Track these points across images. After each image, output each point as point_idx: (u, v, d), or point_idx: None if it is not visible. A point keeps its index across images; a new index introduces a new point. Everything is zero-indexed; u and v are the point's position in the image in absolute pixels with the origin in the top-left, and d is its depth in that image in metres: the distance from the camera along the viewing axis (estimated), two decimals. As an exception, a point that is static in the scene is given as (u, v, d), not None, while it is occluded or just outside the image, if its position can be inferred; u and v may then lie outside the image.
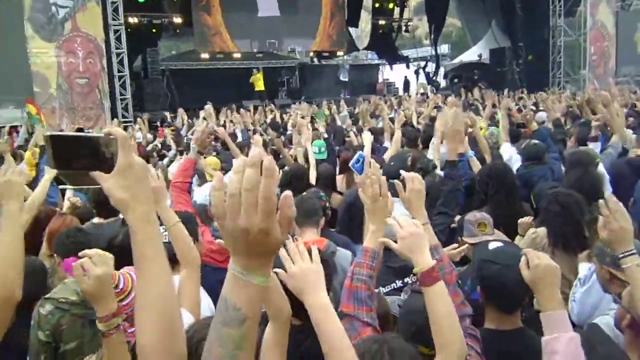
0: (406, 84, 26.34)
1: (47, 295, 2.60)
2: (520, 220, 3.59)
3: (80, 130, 7.43)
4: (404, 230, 1.87)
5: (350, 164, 2.54)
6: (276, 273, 1.59)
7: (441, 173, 4.53)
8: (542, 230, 3.22)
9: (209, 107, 8.29)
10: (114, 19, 15.92)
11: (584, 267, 2.65)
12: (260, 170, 0.93)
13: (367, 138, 5.29)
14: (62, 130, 7.49)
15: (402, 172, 2.25)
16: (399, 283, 2.69)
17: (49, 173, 4.05)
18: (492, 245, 2.27)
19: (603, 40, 24.09)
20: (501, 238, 2.97)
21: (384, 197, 2.05)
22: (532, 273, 1.84)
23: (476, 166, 4.83)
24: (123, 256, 2.97)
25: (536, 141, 5.20)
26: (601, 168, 4.64)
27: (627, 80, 24.22)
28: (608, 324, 2.19)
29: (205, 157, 5.49)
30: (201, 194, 4.95)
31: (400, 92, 25.86)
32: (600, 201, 2.11)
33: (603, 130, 5.92)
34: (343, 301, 1.96)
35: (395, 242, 1.92)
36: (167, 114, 16.45)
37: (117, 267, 2.00)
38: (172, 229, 2.36)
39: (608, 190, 4.45)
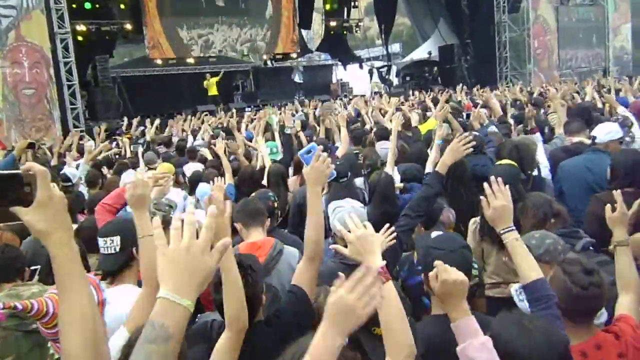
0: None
1: None
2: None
3: (32, 145, 7.24)
4: (351, 235, 1.89)
5: (299, 152, 2.48)
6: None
7: (387, 169, 4.74)
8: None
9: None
10: (60, 27, 15.56)
11: None
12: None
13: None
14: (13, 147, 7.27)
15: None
16: None
17: None
18: (434, 234, 2.45)
19: (545, 34, 25.03)
20: None
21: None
22: (440, 287, 1.91)
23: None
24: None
25: (475, 132, 5.45)
26: (539, 156, 4.92)
27: (569, 72, 25.28)
28: None
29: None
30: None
31: (355, 92, 26.20)
32: (485, 183, 2.21)
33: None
34: None
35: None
36: (123, 123, 16.08)
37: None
38: (142, 241, 2.25)
39: (547, 176, 4.76)
